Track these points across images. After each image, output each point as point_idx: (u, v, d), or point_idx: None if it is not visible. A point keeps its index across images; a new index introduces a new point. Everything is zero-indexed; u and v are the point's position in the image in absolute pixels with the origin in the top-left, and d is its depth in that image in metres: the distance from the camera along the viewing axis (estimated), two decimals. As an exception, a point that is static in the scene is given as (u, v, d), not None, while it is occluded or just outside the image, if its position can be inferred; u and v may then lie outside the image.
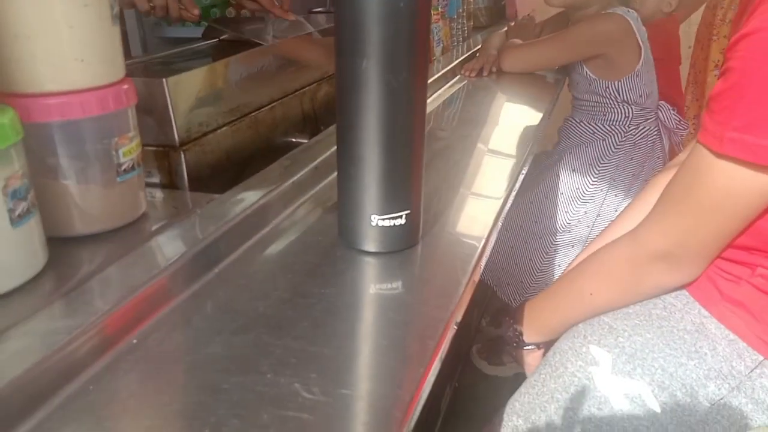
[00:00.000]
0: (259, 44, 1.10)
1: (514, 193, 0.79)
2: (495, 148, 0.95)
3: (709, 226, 0.67)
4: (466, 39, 1.80)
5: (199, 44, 1.29)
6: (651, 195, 0.94)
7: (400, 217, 0.58)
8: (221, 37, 1.35)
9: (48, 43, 0.51)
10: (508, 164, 0.87)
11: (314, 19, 1.39)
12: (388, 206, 0.57)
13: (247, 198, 0.62)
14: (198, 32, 1.43)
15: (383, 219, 0.57)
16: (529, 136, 1.01)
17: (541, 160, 1.54)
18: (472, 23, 1.90)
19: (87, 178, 0.55)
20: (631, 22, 1.33)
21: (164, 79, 0.66)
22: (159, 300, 0.47)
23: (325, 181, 0.73)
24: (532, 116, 1.16)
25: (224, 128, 0.77)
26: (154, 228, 0.59)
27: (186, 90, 0.69)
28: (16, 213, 0.48)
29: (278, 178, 0.68)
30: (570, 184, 1.42)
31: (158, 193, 0.69)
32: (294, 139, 0.98)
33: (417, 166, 0.58)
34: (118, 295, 0.44)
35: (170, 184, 0.70)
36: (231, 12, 2.23)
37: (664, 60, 1.64)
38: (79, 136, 0.54)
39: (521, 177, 0.86)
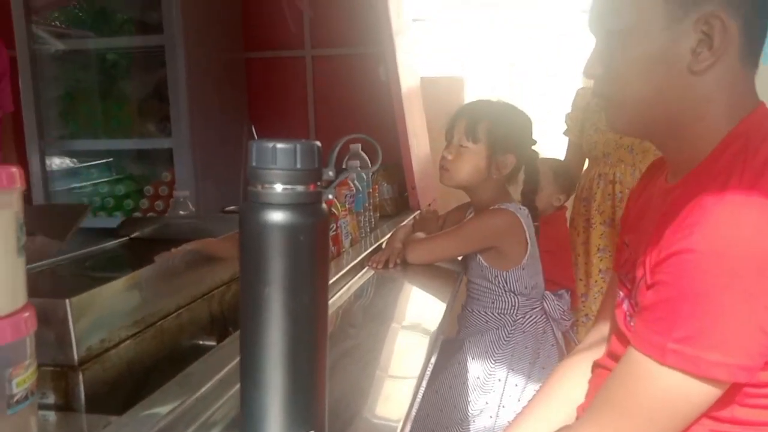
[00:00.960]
0: (168, 245, 1.13)
1: (425, 382, 0.81)
2: (402, 342, 0.99)
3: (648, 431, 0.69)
4: (374, 229, 1.91)
5: (110, 243, 1.30)
6: (558, 383, 0.98)
7: (305, 435, 0.58)
8: (132, 235, 1.38)
9: (-53, 280, 0.51)
10: (418, 356, 0.90)
11: (226, 218, 1.45)
12: (293, 426, 0.57)
13: (147, 419, 0.61)
14: (113, 222, 1.45)
15: (287, 439, 0.57)
16: (434, 327, 1.06)
17: (445, 348, 1.59)
18: (378, 214, 2.03)
19: (-29, 415, 0.53)
20: (521, 218, 1.48)
21: (67, 300, 0.66)
22: None
23: (230, 393, 0.73)
24: (437, 306, 1.23)
25: (127, 342, 0.76)
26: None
27: (89, 309, 0.69)
28: None
29: (181, 392, 0.67)
30: (471, 373, 1.47)
31: (52, 416, 0.66)
32: (201, 342, 0.97)
33: (320, 384, 0.59)
34: None
35: (66, 405, 0.67)
36: (144, 203, 2.29)
37: (556, 251, 1.81)
38: (-31, 369, 0.52)
39: (431, 365, 0.89)
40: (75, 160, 2.27)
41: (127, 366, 0.75)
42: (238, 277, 1.11)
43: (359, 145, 1.99)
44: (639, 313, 0.73)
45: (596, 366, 0.92)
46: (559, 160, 2.28)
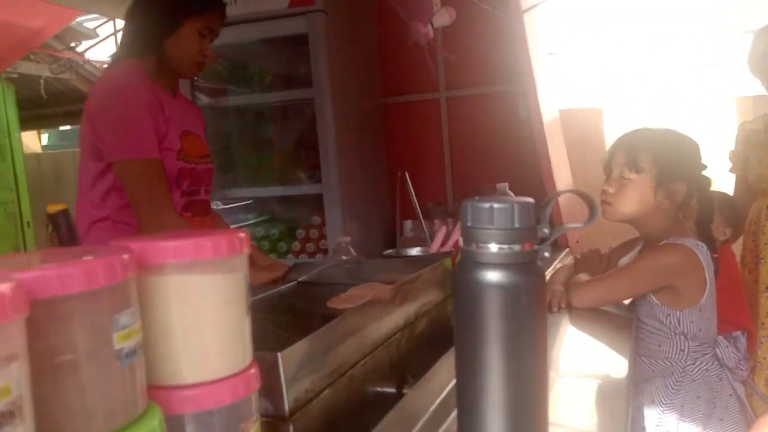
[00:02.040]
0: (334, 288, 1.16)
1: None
2: (590, 395, 0.93)
3: None
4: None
5: (282, 287, 1.37)
6: None
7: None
8: (299, 279, 1.44)
9: (191, 340, 0.55)
10: (615, 409, 0.84)
11: (387, 262, 1.47)
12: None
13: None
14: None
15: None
16: (620, 380, 0.99)
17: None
18: (526, 253, 1.98)
19: (211, 468, 0.56)
20: (700, 255, 1.36)
21: (278, 354, 0.69)
22: None
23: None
24: (614, 357, 1.15)
25: (326, 391, 0.78)
26: None
27: (296, 360, 0.72)
28: None
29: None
30: (636, 424, 1.37)
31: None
32: (383, 389, 0.98)
33: (538, 448, 0.57)
34: None
35: (274, 456, 0.70)
36: (296, 246, 2.40)
37: (728, 287, 1.66)
38: (210, 425, 0.55)
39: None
40: (231, 207, 2.44)
41: (327, 415, 0.77)
42: (411, 322, 1.13)
43: (506, 185, 1.96)
44: None
45: None
46: (722, 192, 2.12)
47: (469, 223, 0.55)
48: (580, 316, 1.40)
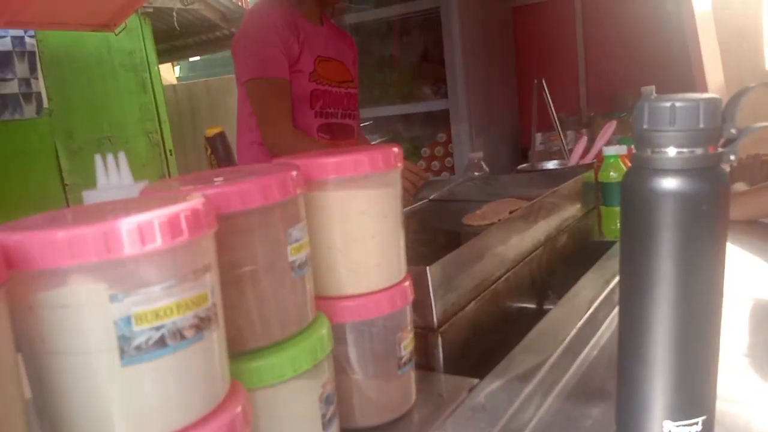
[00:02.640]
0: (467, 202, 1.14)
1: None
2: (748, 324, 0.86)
3: None
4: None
5: (415, 204, 1.37)
6: None
7: (696, 423, 0.53)
8: (431, 197, 1.43)
9: (354, 253, 0.56)
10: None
11: (520, 178, 1.42)
12: (684, 411, 0.52)
13: (509, 385, 0.61)
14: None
15: (678, 426, 0.52)
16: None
17: None
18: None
19: (373, 373, 0.58)
20: None
21: (427, 268, 0.69)
22: None
23: (578, 361, 0.70)
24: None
25: (470, 305, 0.78)
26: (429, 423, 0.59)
27: (443, 275, 0.72)
28: (327, 417, 0.50)
29: (531, 359, 0.67)
30: None
31: (416, 376, 0.70)
32: (524, 305, 0.97)
33: (713, 367, 0.53)
34: None
35: (426, 365, 0.72)
36: (422, 164, 2.39)
37: None
38: (370, 334, 0.57)
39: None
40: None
41: (472, 328, 0.78)
42: (552, 237, 1.09)
43: (653, 88, 1.79)
44: None
45: None
46: None
47: (645, 126, 0.50)
48: (737, 230, 1.28)
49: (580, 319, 0.78)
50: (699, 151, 0.48)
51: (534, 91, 1.66)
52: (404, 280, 0.60)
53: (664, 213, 0.49)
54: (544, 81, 1.68)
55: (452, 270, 0.75)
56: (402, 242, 0.60)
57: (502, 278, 0.87)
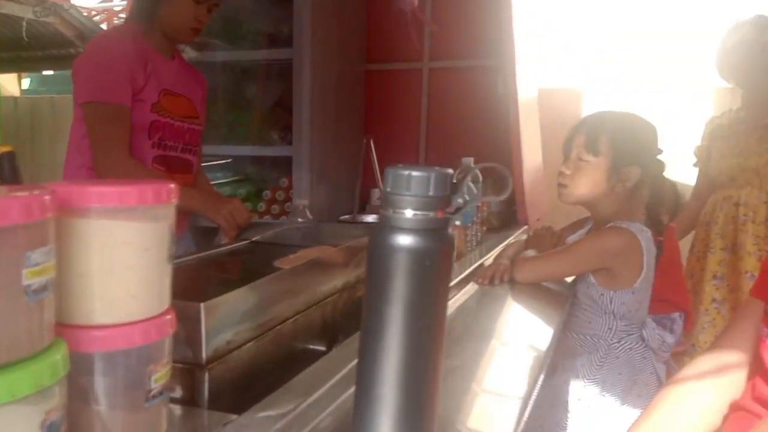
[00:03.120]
0: (286, 250, 1.18)
1: (531, 403, 0.79)
2: (508, 362, 0.97)
3: None
4: (480, 244, 1.89)
5: (235, 245, 1.38)
6: (662, 409, 0.92)
7: (418, 458, 0.59)
8: (253, 239, 1.45)
9: (110, 283, 0.56)
10: (523, 376, 0.88)
11: (341, 227, 1.49)
12: (405, 446, 0.58)
13: (264, 422, 0.64)
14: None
15: (399, 459, 0.58)
16: (543, 348, 1.03)
17: (546, 371, 1.55)
18: (485, 228, 2.01)
19: (119, 405, 0.58)
20: (641, 240, 1.40)
21: (201, 304, 0.71)
22: None
23: (341, 399, 0.75)
24: (543, 330, 1.19)
25: (249, 344, 0.80)
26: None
27: (218, 312, 0.74)
28: (50, 446, 0.49)
29: (294, 397, 0.70)
30: (562, 398, 1.43)
31: (177, 411, 0.71)
32: (313, 347, 1.01)
33: (434, 404, 0.59)
34: None
35: (191, 400, 0.72)
36: (262, 206, 2.41)
37: (668, 269, 1.69)
38: (119, 365, 0.57)
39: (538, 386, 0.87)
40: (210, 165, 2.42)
41: (247, 368, 0.80)
42: (351, 285, 1.15)
43: (471, 159, 1.98)
44: None
45: (737, 408, 0.86)
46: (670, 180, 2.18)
47: (388, 189, 0.57)
48: (521, 291, 1.44)
49: (353, 360, 0.82)
50: (431, 214, 0.56)
51: (362, 148, 1.76)
52: (165, 313, 0.61)
53: (396, 265, 0.56)
54: (372, 141, 1.80)
55: (232, 308, 0.77)
56: (166, 276, 0.61)
57: (290, 320, 0.91)
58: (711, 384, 0.89)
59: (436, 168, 0.57)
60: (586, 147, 1.44)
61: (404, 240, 0.56)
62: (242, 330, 0.79)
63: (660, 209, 1.50)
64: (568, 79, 3.40)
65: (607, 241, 1.42)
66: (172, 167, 1.72)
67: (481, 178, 1.96)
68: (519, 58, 2.29)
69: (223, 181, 2.55)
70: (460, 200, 0.57)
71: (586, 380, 1.44)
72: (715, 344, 0.95)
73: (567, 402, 1.44)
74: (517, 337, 1.14)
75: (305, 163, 2.17)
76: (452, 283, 1.38)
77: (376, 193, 2.32)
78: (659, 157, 1.49)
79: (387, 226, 0.56)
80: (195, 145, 1.81)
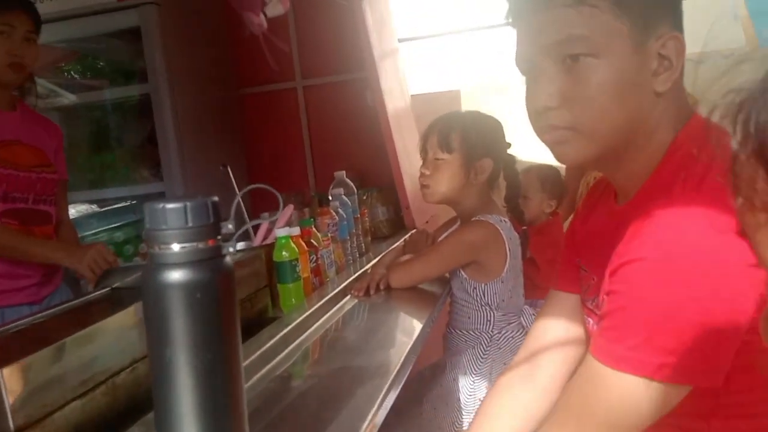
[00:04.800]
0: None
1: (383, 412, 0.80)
2: (368, 376, 0.98)
3: None
4: (365, 253, 1.90)
5: (93, 294, 1.32)
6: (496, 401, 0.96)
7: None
8: (114, 285, 1.39)
9: None
10: (377, 387, 0.89)
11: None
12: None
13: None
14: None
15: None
16: (401, 356, 1.04)
17: (433, 372, 1.58)
18: (369, 238, 2.03)
19: None
20: (501, 230, 1.46)
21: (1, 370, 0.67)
22: None
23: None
24: (412, 333, 1.21)
25: (74, 403, 0.76)
26: None
27: (26, 376, 0.70)
28: None
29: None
30: (454, 395, 1.46)
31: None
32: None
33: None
34: None
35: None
36: (143, 248, 2.32)
37: (553, 259, 1.77)
38: None
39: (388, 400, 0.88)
40: (72, 211, 2.32)
41: (74, 429, 0.76)
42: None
43: (344, 173, 1.99)
44: (598, 323, 0.73)
45: None
46: (547, 165, 2.26)
47: (148, 225, 0.55)
48: (398, 297, 1.46)
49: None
50: (192, 246, 0.55)
51: (221, 176, 1.74)
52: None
53: (167, 303, 0.55)
54: (229, 168, 1.77)
55: (44, 369, 0.73)
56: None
57: (129, 369, 0.87)
58: (529, 378, 0.93)
59: (198, 197, 0.56)
60: (439, 146, 1.49)
61: (172, 276, 0.54)
62: (61, 389, 0.75)
63: (517, 200, 1.57)
64: (445, 83, 3.50)
65: (470, 235, 1.47)
66: (26, 220, 1.65)
67: (356, 191, 1.99)
68: (384, 69, 2.34)
69: (104, 228, 2.45)
70: (230, 226, 0.57)
71: (473, 375, 1.47)
72: (531, 333, 0.98)
73: (459, 399, 1.47)
74: (383, 345, 1.15)
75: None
76: (326, 299, 1.38)
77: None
78: (509, 151, 1.55)
79: (153, 264, 0.55)
80: (51, 195, 1.73)
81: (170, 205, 0.55)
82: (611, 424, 0.69)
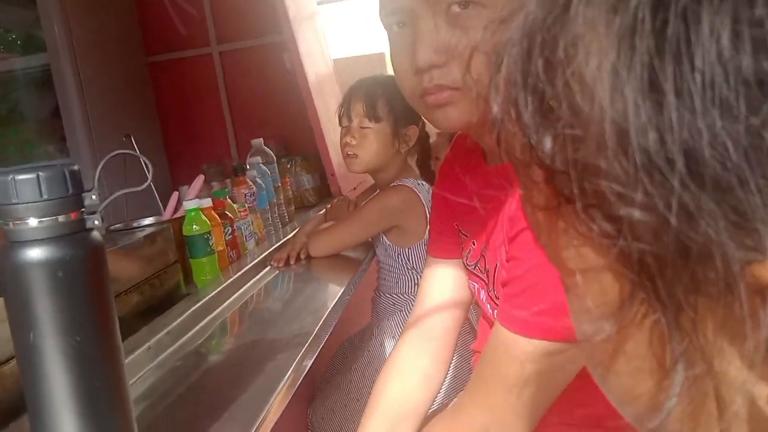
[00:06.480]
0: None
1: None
2: (281, 347, 0.95)
3: (518, 401, 0.68)
4: (288, 223, 1.86)
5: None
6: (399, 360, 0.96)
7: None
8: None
9: None
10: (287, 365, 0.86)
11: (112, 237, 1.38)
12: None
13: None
14: None
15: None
16: (318, 323, 1.02)
17: (360, 337, 1.57)
18: (293, 207, 1.98)
19: None
20: (420, 193, 1.44)
21: None
22: None
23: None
24: (333, 300, 1.19)
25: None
26: None
27: None
28: None
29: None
30: (381, 359, 1.45)
31: None
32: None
33: (124, 423, 0.55)
34: None
35: None
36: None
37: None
38: None
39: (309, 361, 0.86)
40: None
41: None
42: (120, 293, 1.07)
43: (261, 140, 1.93)
44: (502, 290, 0.72)
45: (476, 353, 0.91)
46: None
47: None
48: (321, 265, 1.43)
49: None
50: (50, 220, 0.50)
51: (123, 147, 1.64)
52: None
53: (26, 284, 0.50)
54: (132, 138, 1.68)
55: None
56: None
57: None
58: (421, 348, 0.93)
59: (57, 164, 0.51)
60: (366, 114, 1.45)
61: (29, 254, 0.50)
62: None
63: (429, 162, 1.56)
64: (369, 45, 3.43)
65: (389, 200, 1.45)
66: None
67: (275, 159, 1.93)
68: (302, 33, 2.26)
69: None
70: (93, 197, 0.52)
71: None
72: (417, 304, 0.96)
73: (379, 366, 1.47)
74: (302, 315, 1.12)
75: (89, 174, 1.99)
76: (245, 270, 1.34)
77: (184, 190, 2.20)
78: None
79: (8, 242, 0.50)
80: None
81: (21, 177, 0.49)
82: (522, 389, 0.69)
